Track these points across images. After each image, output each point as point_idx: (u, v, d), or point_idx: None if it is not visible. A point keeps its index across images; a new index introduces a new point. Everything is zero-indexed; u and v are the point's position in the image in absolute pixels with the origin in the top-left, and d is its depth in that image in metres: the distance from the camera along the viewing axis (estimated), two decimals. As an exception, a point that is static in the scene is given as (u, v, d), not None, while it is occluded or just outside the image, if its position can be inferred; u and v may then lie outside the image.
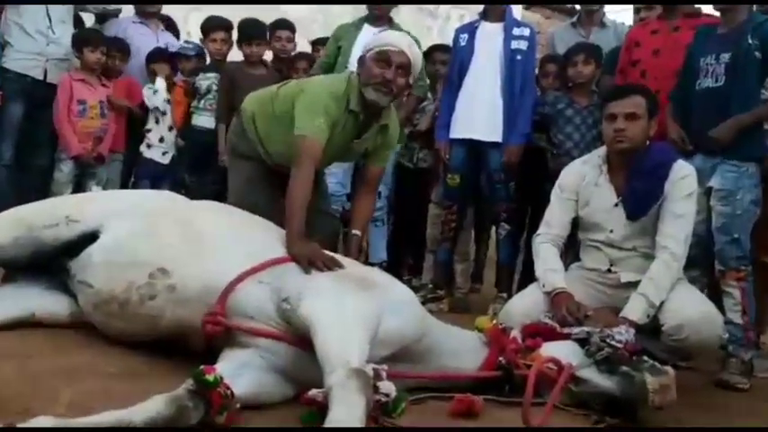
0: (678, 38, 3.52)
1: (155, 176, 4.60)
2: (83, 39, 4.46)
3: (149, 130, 4.62)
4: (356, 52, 3.71)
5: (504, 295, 4.09)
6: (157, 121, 4.62)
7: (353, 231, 3.12)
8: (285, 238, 2.50)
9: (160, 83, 4.60)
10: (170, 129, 4.63)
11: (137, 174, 4.70)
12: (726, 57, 3.08)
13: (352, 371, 1.64)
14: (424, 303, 4.05)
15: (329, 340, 1.82)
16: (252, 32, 4.49)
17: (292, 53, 4.79)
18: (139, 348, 2.33)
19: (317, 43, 4.92)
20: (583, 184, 2.96)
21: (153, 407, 1.64)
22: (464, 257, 4.66)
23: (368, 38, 3.45)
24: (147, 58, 4.71)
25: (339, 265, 2.29)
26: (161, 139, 4.62)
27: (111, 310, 2.37)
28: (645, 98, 2.87)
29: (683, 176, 2.80)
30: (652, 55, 3.59)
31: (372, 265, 4.42)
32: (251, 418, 1.81)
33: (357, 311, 2.00)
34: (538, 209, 3.62)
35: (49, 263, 2.58)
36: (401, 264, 4.75)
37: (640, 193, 2.82)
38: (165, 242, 2.38)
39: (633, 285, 2.78)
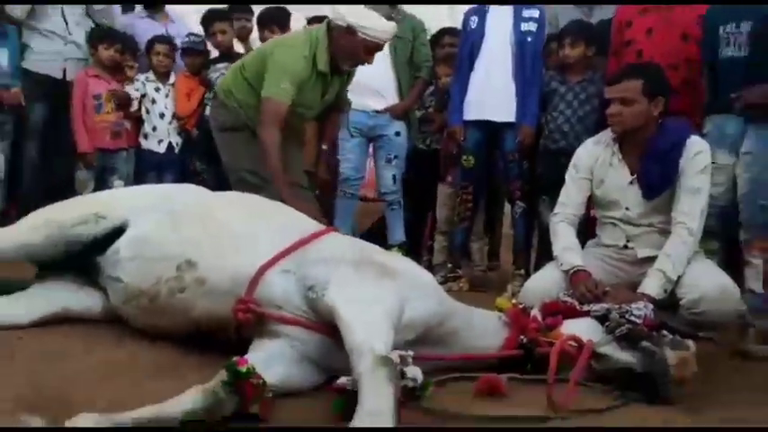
0: (670, 16, 3.49)
1: (158, 167, 4.65)
2: (97, 36, 4.52)
3: (143, 122, 4.68)
4: None
5: (522, 272, 4.15)
6: (148, 111, 4.67)
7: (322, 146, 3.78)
8: (300, 217, 2.62)
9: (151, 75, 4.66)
10: (161, 116, 4.67)
11: (139, 167, 4.72)
12: (746, 25, 3.07)
13: (380, 359, 1.69)
14: (443, 283, 4.14)
15: (355, 329, 1.87)
16: (272, 18, 4.57)
17: None
18: (172, 342, 2.40)
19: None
20: (597, 163, 2.99)
21: (189, 400, 1.71)
22: (479, 236, 4.71)
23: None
24: (146, 47, 4.74)
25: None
26: (154, 128, 4.67)
27: (141, 304, 2.45)
28: (643, 80, 2.86)
29: (696, 152, 2.81)
30: (646, 35, 3.56)
31: (391, 247, 4.50)
32: (283, 406, 1.88)
33: (381, 299, 2.05)
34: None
35: (80, 259, 2.67)
36: (420, 245, 4.80)
37: (655, 173, 2.84)
38: (191, 235, 2.45)
39: (650, 261, 2.82)
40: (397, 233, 4.45)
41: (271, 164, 3.24)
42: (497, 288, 4.25)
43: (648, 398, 2.25)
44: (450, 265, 4.31)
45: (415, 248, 4.85)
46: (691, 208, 2.79)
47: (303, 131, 3.79)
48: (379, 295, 2.07)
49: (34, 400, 1.85)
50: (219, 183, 4.02)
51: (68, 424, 1.46)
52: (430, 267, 4.62)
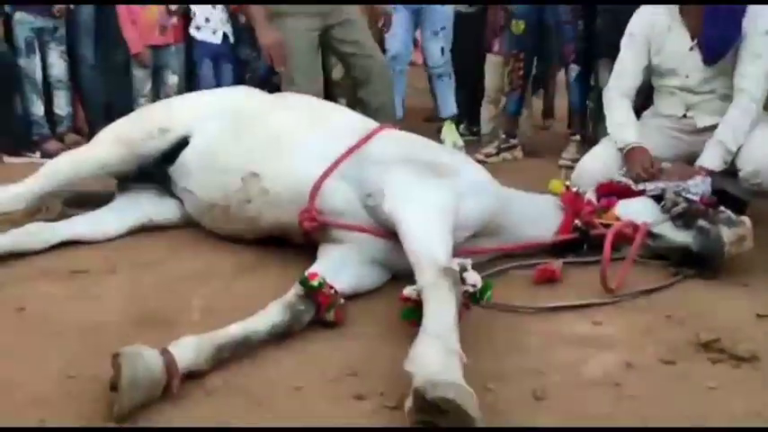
0: None
1: (214, 56, 4.70)
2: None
3: (194, 14, 4.65)
4: None
5: (578, 138, 4.13)
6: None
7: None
8: (354, 117, 2.69)
9: None
10: (213, 6, 4.63)
11: (195, 56, 4.81)
12: None
13: (441, 269, 1.79)
14: (497, 154, 4.18)
15: (414, 238, 1.96)
16: None
17: None
18: (251, 245, 2.60)
19: None
20: (654, 30, 2.86)
21: (272, 314, 1.89)
22: (527, 104, 4.65)
23: None
24: None
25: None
26: (207, 20, 4.65)
27: (214, 214, 2.63)
28: None
29: (761, 14, 2.65)
30: None
31: (443, 120, 4.51)
32: (356, 318, 2.05)
33: (437, 203, 2.12)
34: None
35: (153, 171, 2.84)
36: (475, 116, 4.79)
37: (716, 37, 2.71)
38: (251, 145, 2.56)
39: (710, 130, 2.77)
40: (449, 106, 4.43)
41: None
42: (552, 153, 4.26)
43: (704, 275, 2.34)
44: (503, 135, 4.31)
45: (470, 120, 4.85)
46: (754, 72, 2.69)
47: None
48: (435, 198, 2.14)
49: (137, 315, 2.08)
50: (269, 71, 4.06)
51: (172, 349, 1.66)
52: (480, 137, 4.65)
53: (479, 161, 2.84)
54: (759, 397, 1.65)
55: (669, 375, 1.75)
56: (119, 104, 4.46)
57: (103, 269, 2.41)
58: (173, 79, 4.62)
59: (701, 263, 2.35)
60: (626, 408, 1.61)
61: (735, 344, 1.85)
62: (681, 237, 2.40)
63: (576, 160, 3.35)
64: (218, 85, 4.53)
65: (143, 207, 2.83)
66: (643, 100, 3.18)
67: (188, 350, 1.68)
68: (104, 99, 4.75)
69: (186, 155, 2.74)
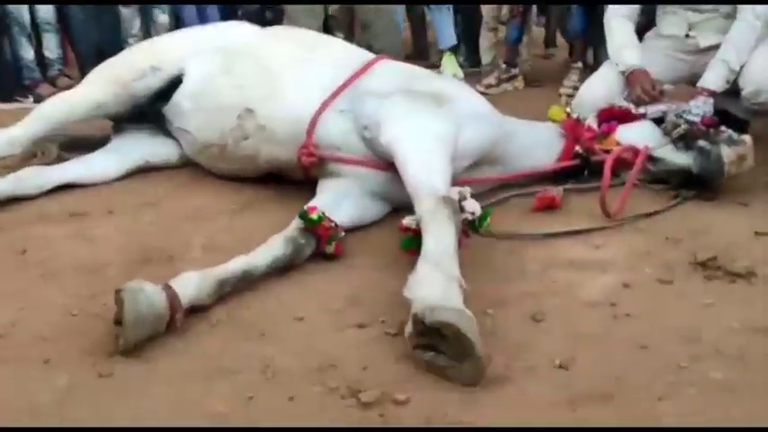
0: None
1: None
2: None
3: None
4: None
5: (579, 65, 4.05)
6: None
7: None
8: (348, 48, 2.59)
9: None
10: None
11: None
12: None
13: (439, 198, 1.78)
14: (498, 84, 4.12)
15: (414, 169, 1.95)
16: None
17: None
18: (250, 182, 2.59)
19: None
20: (656, -53, 2.76)
21: (273, 248, 1.90)
22: (527, 29, 4.53)
23: None
24: None
25: None
26: None
27: (212, 153, 2.61)
28: None
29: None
30: None
31: (442, 51, 4.42)
32: (357, 250, 2.06)
33: (435, 132, 2.10)
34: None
35: (148, 111, 2.81)
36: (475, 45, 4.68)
37: (719, -48, 2.61)
38: (245, 81, 2.51)
39: (713, 49, 2.71)
40: (447, 37, 4.33)
41: None
42: (554, 82, 4.19)
43: (703, 196, 2.33)
44: (504, 65, 4.23)
45: (470, 49, 4.74)
46: (759, -12, 2.60)
47: None
48: (433, 128, 2.11)
49: (138, 254, 2.10)
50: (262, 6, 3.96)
51: (174, 284, 1.67)
52: (480, 67, 4.55)
53: (480, 93, 2.78)
54: (754, 310, 1.67)
55: (665, 294, 1.77)
56: (109, 46, 4.37)
57: (102, 211, 2.42)
58: (162, 18, 4.51)
59: (701, 184, 2.34)
60: (621, 326, 1.64)
61: (731, 261, 1.86)
62: (681, 159, 2.38)
63: (577, 88, 3.29)
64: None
65: (140, 148, 2.81)
66: (646, 22, 3.10)
67: (190, 285, 1.70)
68: (95, 40, 4.65)
69: (180, 94, 2.70)
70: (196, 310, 1.72)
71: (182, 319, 1.65)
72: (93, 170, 2.69)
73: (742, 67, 2.62)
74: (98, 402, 1.42)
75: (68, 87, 3.72)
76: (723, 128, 2.38)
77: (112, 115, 2.85)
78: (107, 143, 2.86)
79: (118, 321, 1.57)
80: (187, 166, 2.81)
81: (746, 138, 2.32)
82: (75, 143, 2.92)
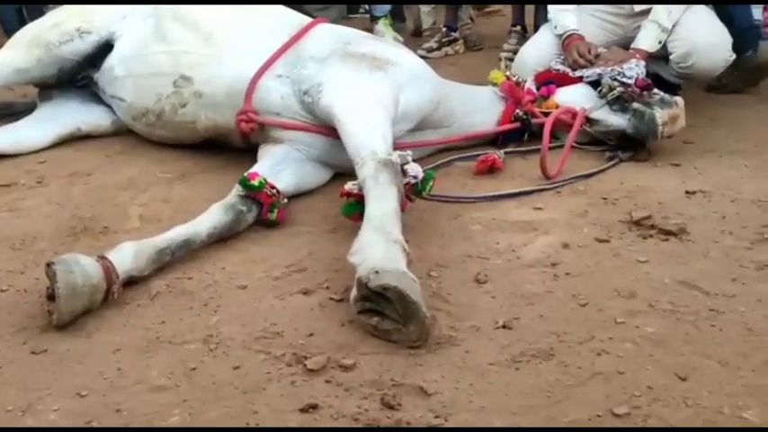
0: None
1: None
2: None
3: None
4: None
5: (518, 28, 4.06)
6: None
7: None
8: (286, 12, 2.52)
9: None
10: None
11: None
12: None
13: (381, 162, 1.78)
14: (438, 48, 4.10)
15: (354, 132, 1.93)
16: None
17: None
18: (190, 150, 2.51)
19: None
20: None
21: (213, 216, 1.86)
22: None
23: None
24: None
25: None
26: None
27: (148, 120, 2.52)
28: None
29: None
30: None
31: (377, 18, 4.36)
32: (300, 217, 2.04)
33: (375, 95, 2.08)
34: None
35: (77, 77, 2.69)
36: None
37: None
38: (180, 47, 2.43)
39: (646, 14, 2.75)
40: (381, 6, 4.25)
41: None
42: (494, 46, 4.20)
43: (638, 158, 2.39)
44: (444, 29, 4.20)
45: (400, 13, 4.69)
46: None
47: None
48: (372, 92, 2.10)
49: (71, 226, 2.02)
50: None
51: (110, 255, 1.62)
52: (419, 33, 4.53)
53: (421, 57, 2.76)
54: (685, 267, 1.74)
55: (602, 253, 1.82)
56: (32, 11, 4.14)
57: (30, 182, 2.32)
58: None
59: (636, 144, 2.40)
60: (561, 285, 1.68)
61: (664, 220, 1.93)
62: (617, 120, 2.43)
63: (516, 51, 3.31)
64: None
65: (70, 115, 2.68)
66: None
67: (126, 255, 1.65)
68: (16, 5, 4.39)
69: (112, 59, 2.59)
70: (135, 281, 1.68)
71: (119, 290, 1.60)
72: (18, 140, 2.56)
73: (673, 30, 2.68)
74: (31, 380, 1.37)
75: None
76: (656, 90, 2.45)
77: (38, 81, 2.72)
78: (33, 111, 2.73)
79: (51, 297, 1.51)
80: (121, 133, 2.70)
81: (678, 99, 2.39)
82: (-3, 112, 2.78)
